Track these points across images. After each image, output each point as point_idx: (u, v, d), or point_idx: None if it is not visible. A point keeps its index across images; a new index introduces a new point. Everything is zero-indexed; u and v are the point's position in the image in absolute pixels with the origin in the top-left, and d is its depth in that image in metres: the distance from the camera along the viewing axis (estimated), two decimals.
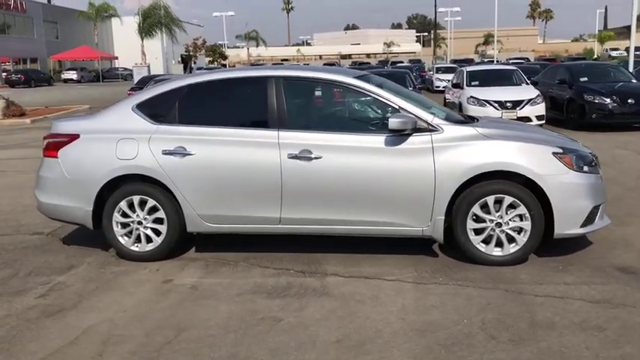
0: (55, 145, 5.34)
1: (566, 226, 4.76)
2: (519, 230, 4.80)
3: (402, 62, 47.21)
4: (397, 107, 4.92)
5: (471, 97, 14.10)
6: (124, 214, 5.19)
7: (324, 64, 48.04)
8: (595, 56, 60.39)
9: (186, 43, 53.84)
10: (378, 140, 4.88)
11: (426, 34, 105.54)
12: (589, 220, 4.85)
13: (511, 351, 3.45)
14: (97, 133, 5.27)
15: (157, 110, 5.24)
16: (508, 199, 4.75)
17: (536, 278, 4.57)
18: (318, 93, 5.28)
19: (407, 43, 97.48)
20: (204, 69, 45.45)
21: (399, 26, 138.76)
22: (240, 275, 4.84)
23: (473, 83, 15.27)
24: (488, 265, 4.82)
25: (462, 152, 4.76)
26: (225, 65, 52.21)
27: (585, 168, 4.87)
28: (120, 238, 5.24)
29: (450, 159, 4.75)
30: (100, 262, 5.24)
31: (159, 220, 5.17)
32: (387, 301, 4.22)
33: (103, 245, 5.51)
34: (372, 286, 4.50)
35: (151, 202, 5.14)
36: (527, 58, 48.50)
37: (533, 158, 4.76)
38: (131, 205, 5.17)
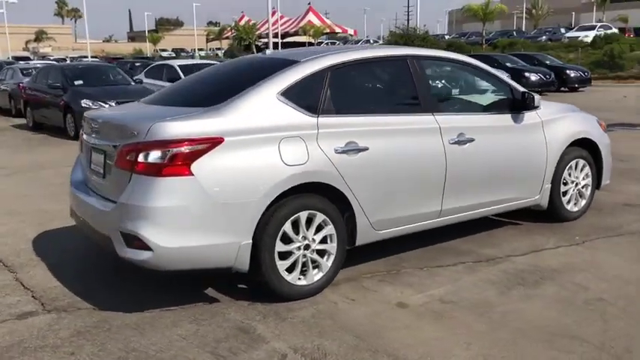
0: (186, 156, 3.42)
1: (606, 178, 5.87)
2: (584, 187, 5.67)
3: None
4: (510, 87, 5.07)
5: None
6: (285, 239, 3.79)
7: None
8: (148, 55, 63.55)
9: None
10: (508, 118, 4.97)
11: None
12: None
13: None
14: (247, 134, 3.63)
15: (307, 98, 3.94)
16: (581, 162, 5.56)
17: (627, 222, 5.51)
18: (447, 73, 4.91)
19: None
20: None
21: None
22: (431, 283, 4.14)
23: None
24: (568, 221, 5.51)
25: (560, 124, 5.30)
26: None
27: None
28: (283, 274, 3.80)
29: (553, 131, 5.22)
30: (255, 316, 3.63)
31: (324, 240, 3.98)
32: (612, 266, 4.43)
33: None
34: (563, 255, 4.65)
35: (319, 217, 3.90)
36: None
37: (594, 126, 5.70)
38: (294, 225, 3.82)
